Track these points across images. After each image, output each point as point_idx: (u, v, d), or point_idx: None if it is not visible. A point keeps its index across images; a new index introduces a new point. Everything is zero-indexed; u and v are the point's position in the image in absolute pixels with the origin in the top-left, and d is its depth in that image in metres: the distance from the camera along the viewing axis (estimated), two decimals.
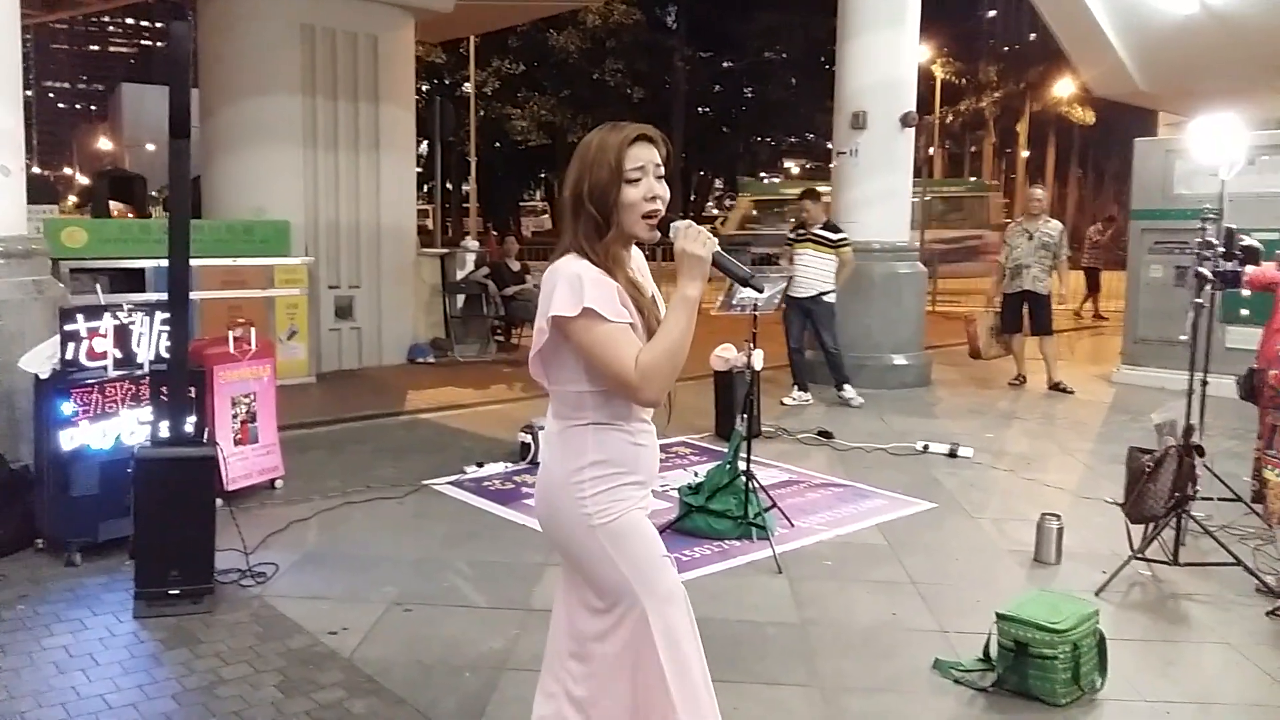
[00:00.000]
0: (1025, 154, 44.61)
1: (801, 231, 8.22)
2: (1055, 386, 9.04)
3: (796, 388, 8.37)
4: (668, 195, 2.07)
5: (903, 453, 6.71)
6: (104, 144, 54.44)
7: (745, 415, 5.18)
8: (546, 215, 47.25)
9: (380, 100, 9.88)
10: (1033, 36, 39.44)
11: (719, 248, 2.01)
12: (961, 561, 4.70)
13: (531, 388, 9.06)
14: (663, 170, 2.06)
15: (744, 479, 4.90)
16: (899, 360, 9.28)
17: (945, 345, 11.42)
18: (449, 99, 19.12)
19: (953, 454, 6.61)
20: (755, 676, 3.47)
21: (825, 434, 7.13)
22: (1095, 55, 12.91)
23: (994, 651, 3.43)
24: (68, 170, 64.95)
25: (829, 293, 8.13)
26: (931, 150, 41.82)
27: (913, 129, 9.46)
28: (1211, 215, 4.67)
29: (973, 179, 25.60)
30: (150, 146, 41.50)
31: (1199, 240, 4.61)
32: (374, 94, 9.84)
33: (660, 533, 4.98)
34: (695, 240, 1.99)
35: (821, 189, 8.90)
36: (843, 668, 3.56)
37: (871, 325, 9.20)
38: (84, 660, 3.44)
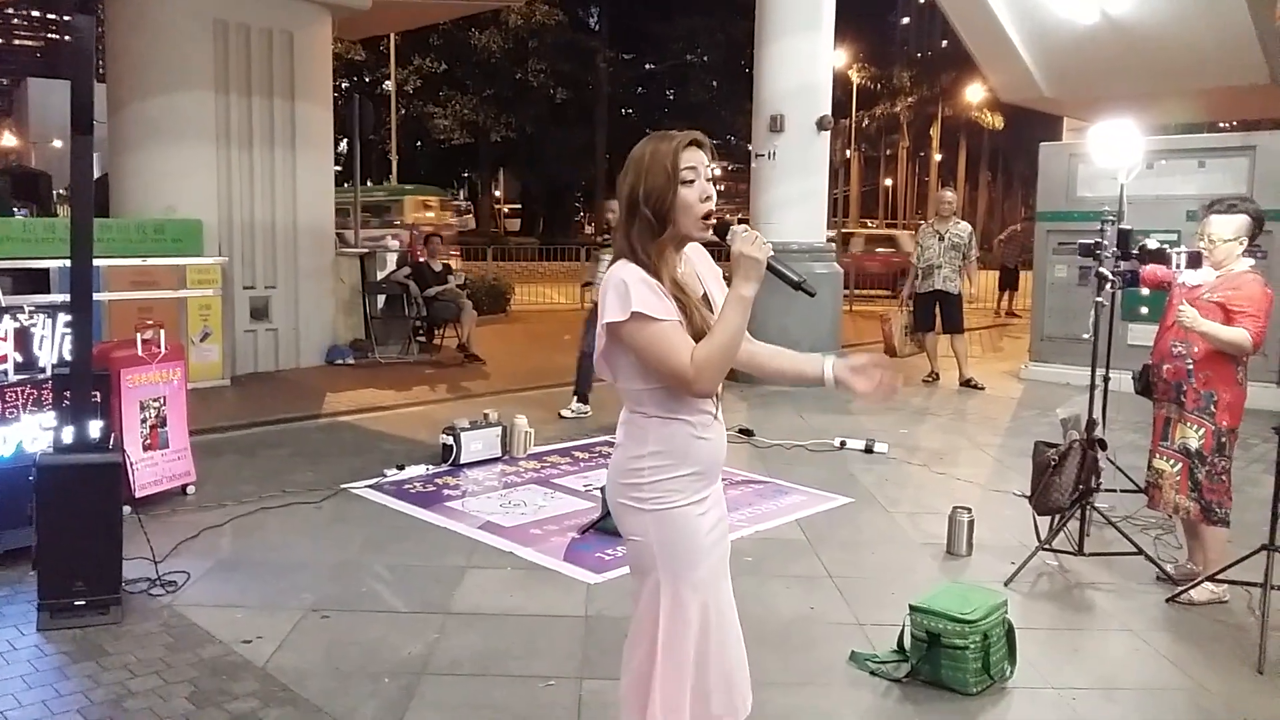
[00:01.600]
0: (938, 157, 45.76)
1: (605, 237, 7.78)
2: (966, 383, 9.30)
3: (577, 399, 7.70)
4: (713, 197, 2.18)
5: (821, 449, 6.83)
6: (8, 140, 52.15)
7: None
8: (470, 216, 46.79)
9: (296, 97, 9.68)
10: (945, 43, 40.50)
11: (774, 253, 2.11)
12: (877, 555, 4.81)
13: (454, 389, 9.01)
14: (711, 173, 2.17)
15: None
16: None
17: (861, 344, 11.64)
18: (369, 97, 18.81)
19: (869, 449, 6.75)
20: None
21: (746, 431, 7.22)
22: (1002, 62, 13.31)
23: (908, 643, 3.51)
24: None
25: None
26: (848, 153, 42.64)
27: (829, 132, 9.64)
28: (1111, 217, 4.85)
29: (389, 183, 24.67)
30: (57, 143, 39.84)
31: (1095, 241, 4.79)
32: (290, 91, 9.63)
33: (582, 533, 5.01)
34: (752, 244, 2.09)
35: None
36: (762, 661, 3.58)
37: (789, 324, 9.26)
38: None
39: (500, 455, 6.33)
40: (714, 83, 38.15)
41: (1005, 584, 4.31)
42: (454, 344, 10.95)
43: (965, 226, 9.42)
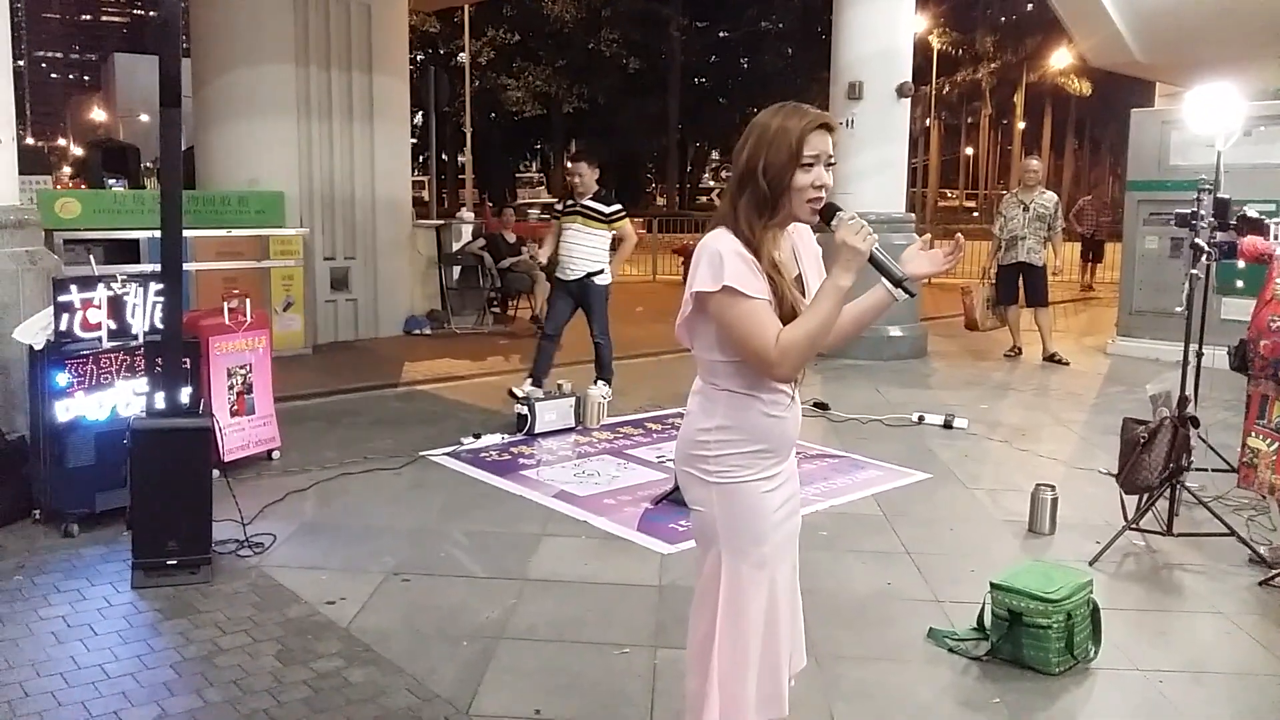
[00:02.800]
0: (1021, 125, 44.45)
1: (570, 203, 6.82)
2: (1051, 358, 9.06)
3: (530, 379, 6.88)
4: (832, 184, 2.13)
5: (898, 424, 6.73)
6: (97, 114, 53.97)
7: None
8: (542, 186, 47.02)
9: (374, 70, 9.80)
10: (1029, 7, 39.16)
11: (878, 245, 2.05)
12: (956, 532, 4.73)
13: (528, 360, 9.07)
14: (833, 160, 2.13)
15: None
16: (895, 332, 9.28)
17: (941, 317, 11.41)
18: (443, 69, 18.96)
19: (948, 425, 6.63)
20: None
21: (821, 405, 7.15)
22: (1092, 25, 12.83)
23: (988, 621, 3.45)
24: (61, 141, 64.44)
25: (599, 273, 6.76)
26: (928, 121, 41.67)
27: (909, 100, 9.41)
28: (1207, 186, 4.66)
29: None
30: (143, 117, 41.05)
31: (1191, 211, 4.60)
32: (367, 64, 9.75)
33: (656, 504, 5.02)
34: (856, 234, 2.04)
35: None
36: (838, 637, 3.58)
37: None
38: (82, 630, 3.45)
39: (574, 425, 6.38)
40: (789, 50, 37.56)
41: (1090, 563, 4.20)
42: (527, 315, 11.03)
43: (1051, 196, 9.14)
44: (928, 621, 3.65)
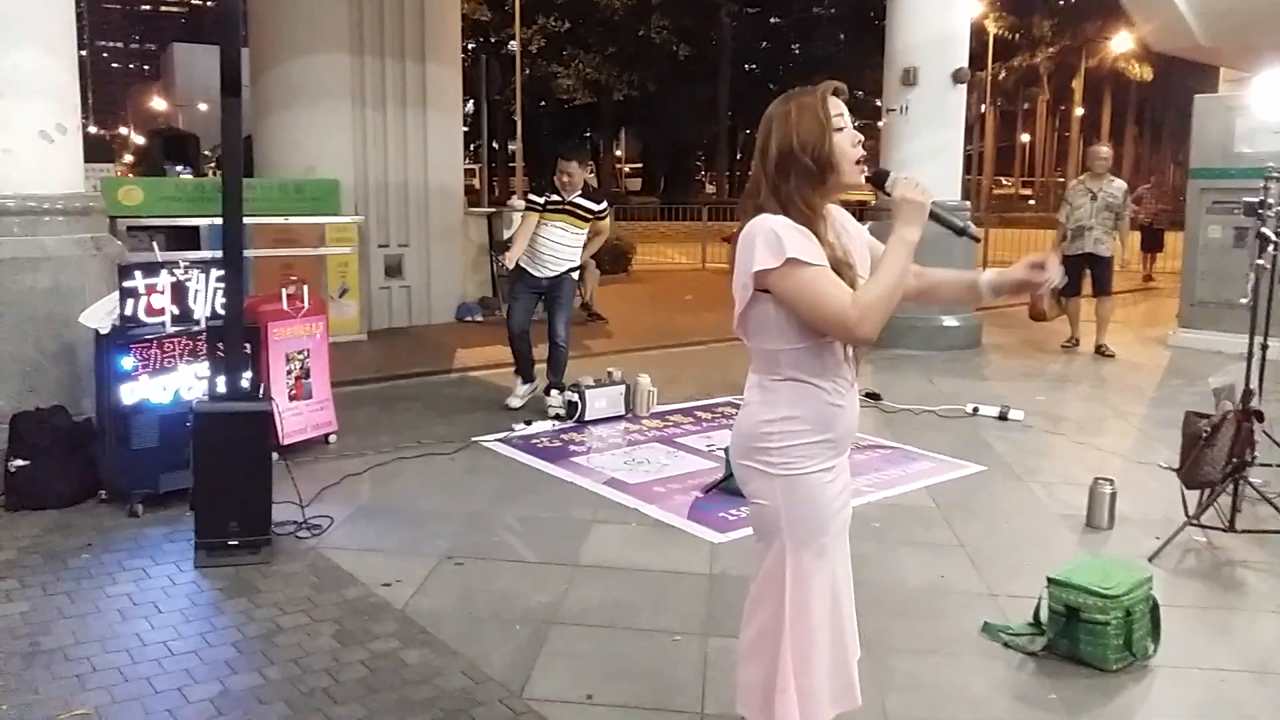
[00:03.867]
0: (1080, 111, 43.54)
1: (555, 200, 6.36)
2: (1099, 349, 8.87)
3: (521, 380, 6.66)
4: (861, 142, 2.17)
5: (952, 415, 6.65)
6: (157, 103, 55.08)
7: None
8: (592, 175, 47.08)
9: (427, 58, 9.87)
10: None
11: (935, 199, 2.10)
12: (1012, 525, 4.67)
13: (577, 348, 9.11)
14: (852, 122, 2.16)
15: None
16: (949, 322, 9.17)
17: (995, 308, 11.24)
18: (494, 57, 19.00)
19: (1003, 416, 6.54)
20: None
21: (873, 395, 7.08)
22: (1153, 8, 12.47)
23: (1044, 616, 3.41)
24: (123, 130, 65.85)
25: (575, 269, 6.64)
26: (983, 108, 40.99)
27: (965, 85, 9.27)
28: (1275, 174, 4.53)
29: None
30: (202, 106, 41.86)
31: (1259, 200, 4.48)
32: (420, 52, 9.83)
33: (706, 493, 5.02)
34: (915, 189, 2.09)
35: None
36: (890, 629, 3.56)
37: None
38: (147, 608, 3.54)
39: (624, 413, 6.39)
40: (841, 35, 37.15)
41: (1150, 559, 4.12)
42: (578, 303, 11.05)
43: (1120, 184, 8.89)
44: (982, 615, 3.61)
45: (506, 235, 11.06)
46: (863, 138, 2.15)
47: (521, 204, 12.54)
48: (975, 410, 6.68)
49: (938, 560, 4.21)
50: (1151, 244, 16.01)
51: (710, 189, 42.11)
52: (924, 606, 3.76)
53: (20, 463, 4.36)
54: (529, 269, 6.48)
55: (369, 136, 9.59)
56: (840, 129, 2.12)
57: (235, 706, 2.93)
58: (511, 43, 27.87)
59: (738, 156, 45.87)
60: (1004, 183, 52.38)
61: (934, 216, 2.11)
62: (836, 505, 2.26)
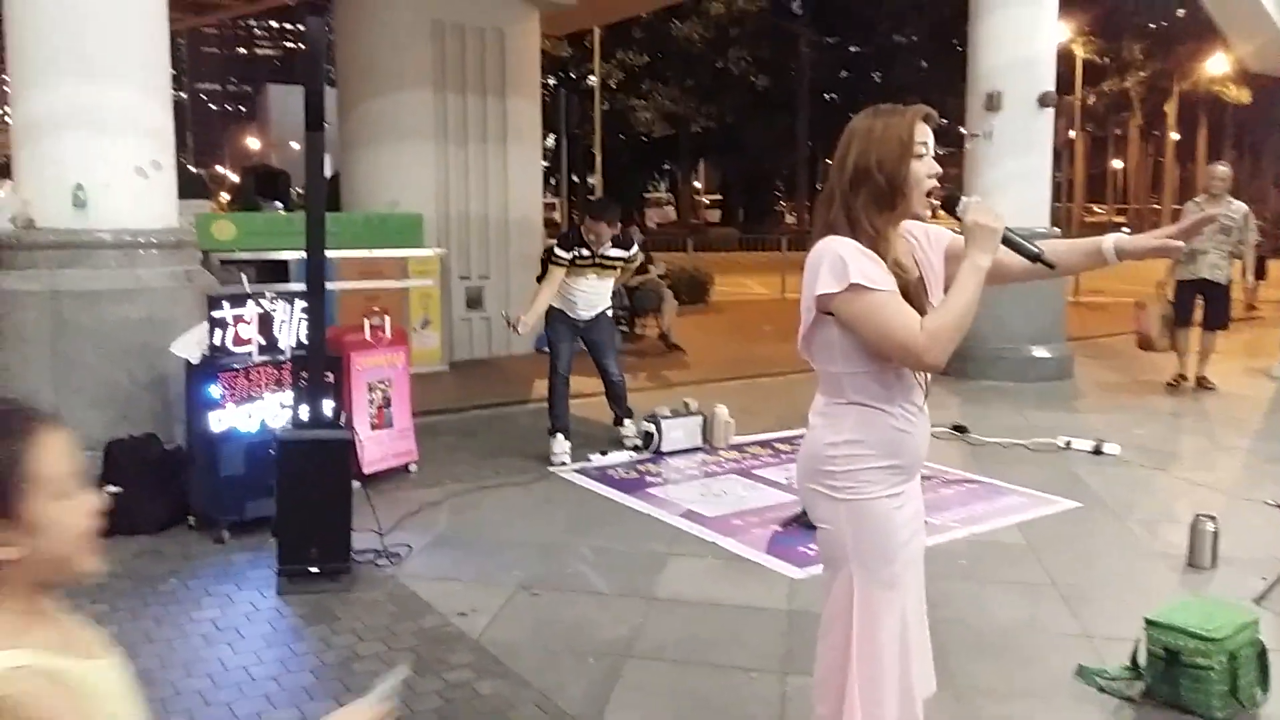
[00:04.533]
0: (1174, 136, 42.25)
1: (584, 255, 6.12)
2: (1200, 382, 8.37)
3: (558, 435, 6.15)
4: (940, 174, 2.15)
5: (1043, 449, 6.43)
6: (252, 142, 57.34)
7: None
8: (671, 207, 47.29)
9: (507, 94, 10.04)
10: (1181, 12, 37.22)
11: (1008, 224, 2.07)
12: (1107, 563, 4.47)
13: (655, 378, 9.10)
14: (935, 152, 2.14)
15: None
16: (1039, 352, 8.90)
17: (1089, 338, 10.91)
18: (574, 92, 19.26)
19: (1097, 451, 6.29)
20: None
21: (959, 428, 6.89)
22: (1250, 28, 12.09)
23: (1143, 659, 3.23)
24: (219, 168, 68.66)
25: (610, 308, 6.52)
26: (1072, 133, 40.07)
27: (1052, 109, 9.04)
28: None
29: None
30: (294, 144, 43.39)
31: None
32: (501, 88, 10.00)
33: (785, 526, 4.92)
34: (987, 214, 2.05)
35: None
36: (977, 671, 3.42)
37: (1007, 315, 8.83)
38: (230, 634, 3.60)
39: (701, 444, 6.33)
40: (923, 63, 36.78)
41: (1256, 601, 3.89)
42: (655, 333, 11.06)
43: (1240, 207, 8.24)
44: (1075, 658, 3.45)
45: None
46: (941, 170, 2.12)
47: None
48: (1068, 444, 6.44)
49: (1029, 599, 4.04)
50: (1254, 271, 15.33)
51: (790, 219, 41.91)
52: (1014, 647, 3.61)
53: (113, 489, 4.45)
54: (565, 311, 6.32)
55: (451, 171, 9.77)
56: (921, 155, 2.08)
57: None
58: (591, 77, 28.27)
59: (817, 185, 45.64)
60: (1096, 210, 51.03)
61: (1007, 241, 2.06)
62: (905, 534, 2.21)
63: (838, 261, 2.03)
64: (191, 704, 3.10)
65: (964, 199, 2.08)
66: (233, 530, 4.51)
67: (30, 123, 4.87)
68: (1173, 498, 5.39)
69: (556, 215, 26.05)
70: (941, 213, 2.14)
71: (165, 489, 4.62)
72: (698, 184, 54.53)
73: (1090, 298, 15.82)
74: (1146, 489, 5.62)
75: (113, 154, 4.86)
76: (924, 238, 2.24)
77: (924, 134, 2.09)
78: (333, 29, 10.44)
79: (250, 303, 4.58)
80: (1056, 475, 5.82)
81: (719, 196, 52.21)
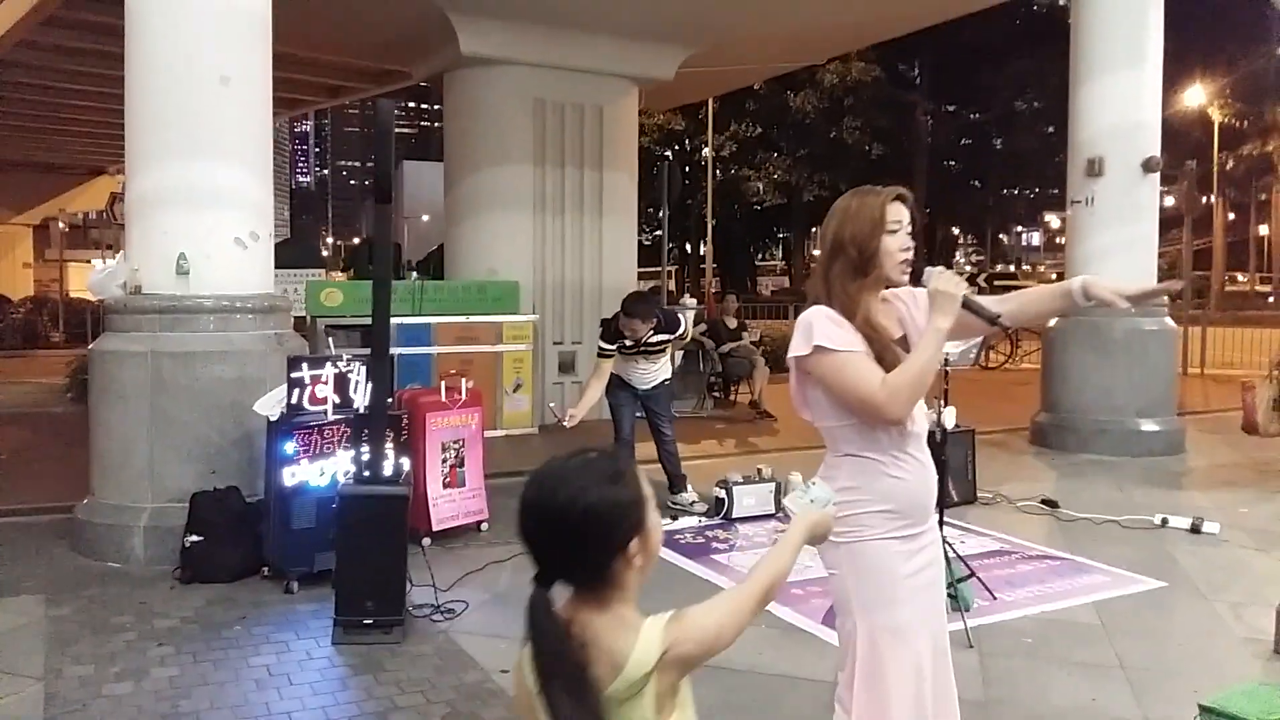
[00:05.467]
0: None
1: (628, 345, 6.31)
2: None
3: (679, 490, 6.49)
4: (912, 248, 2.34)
5: (1137, 526, 6.12)
6: None
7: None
8: (785, 275, 47.24)
9: (604, 167, 10.35)
10: None
11: (969, 291, 2.27)
12: (1185, 648, 4.21)
13: (742, 444, 9.08)
14: (910, 229, 2.33)
15: None
16: (1146, 426, 8.50)
17: (1210, 412, 10.35)
18: (688, 163, 19.61)
19: (1195, 529, 5.95)
20: None
21: (1049, 503, 6.63)
22: None
23: None
24: (355, 239, 72.14)
25: (669, 379, 6.67)
26: (1211, 198, 38.37)
27: (1157, 174, 8.76)
28: None
29: None
30: (425, 218, 45.34)
31: None
32: (599, 161, 10.32)
33: None
34: (948, 282, 2.25)
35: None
36: None
37: (1114, 387, 8.51)
38: (281, 680, 3.75)
39: (774, 512, 6.27)
40: (1049, 128, 35.99)
41: None
42: (747, 400, 11.04)
43: None
44: None
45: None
46: (912, 244, 2.30)
47: (692, 301, 12.82)
48: (1164, 522, 6.11)
49: (1091, 682, 3.85)
50: None
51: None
52: None
53: (195, 538, 4.76)
54: (626, 379, 6.46)
55: (548, 240, 10.09)
56: (893, 231, 2.28)
57: None
58: (704, 149, 28.75)
59: (936, 253, 44.92)
60: (1238, 279, 48.52)
61: (967, 305, 2.25)
62: (913, 582, 2.26)
63: (807, 327, 2.25)
64: None
65: (928, 269, 2.29)
66: (302, 581, 4.70)
67: (142, 197, 5.30)
68: (1269, 581, 5.04)
69: (671, 284, 26.44)
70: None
71: (243, 540, 4.87)
72: (814, 251, 54.46)
73: (1220, 370, 15.01)
74: (1242, 571, 5.27)
75: (215, 226, 5.24)
76: (911, 301, 2.40)
77: (897, 212, 2.28)
78: (442, 105, 11.00)
79: (328, 364, 4.83)
80: (1147, 554, 5.53)
81: None
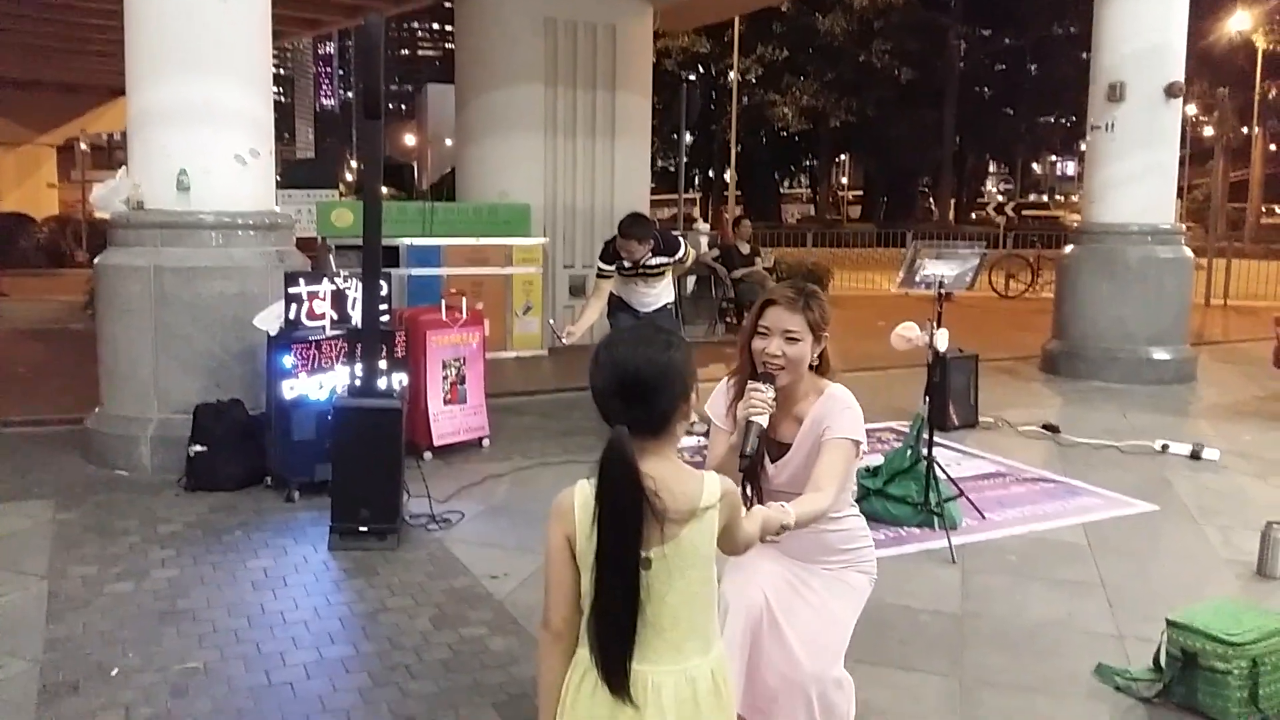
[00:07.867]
0: None
1: (626, 266, 6.19)
2: None
3: None
4: (784, 355, 2.41)
5: (1137, 451, 6.13)
6: (409, 139, 59.65)
7: (929, 398, 4.94)
8: (810, 204, 46.70)
9: (617, 88, 10.21)
10: None
11: (763, 420, 2.28)
12: (1168, 568, 4.27)
13: None
14: (794, 334, 2.41)
15: (924, 464, 4.68)
16: (1157, 354, 8.44)
17: (1228, 342, 10.25)
18: (710, 88, 19.17)
19: (1195, 455, 5.96)
20: (893, 661, 3.34)
21: (1051, 428, 6.64)
22: None
23: (1164, 660, 3.10)
24: None
25: (670, 303, 6.53)
26: (1252, 129, 37.34)
27: (1179, 100, 8.54)
28: None
29: None
30: (448, 141, 44.96)
31: None
32: (611, 82, 10.17)
33: None
34: (756, 407, 2.28)
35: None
36: (991, 662, 3.35)
37: (1126, 314, 8.43)
38: (276, 582, 3.88)
39: None
40: (1084, 55, 35.03)
41: None
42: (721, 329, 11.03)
43: None
44: (1101, 657, 3.33)
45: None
46: (778, 351, 2.39)
47: (705, 227, 12.72)
48: (1164, 448, 6.12)
49: (1070, 598, 3.91)
50: None
51: (936, 215, 40.61)
52: (1038, 643, 3.51)
53: (199, 448, 4.88)
54: (627, 301, 6.38)
55: (559, 162, 10.01)
56: (763, 334, 2.42)
57: (323, 672, 3.17)
58: (730, 73, 28.20)
59: (966, 182, 44.18)
60: (1276, 212, 47.41)
61: (747, 429, 2.27)
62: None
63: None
64: (224, 640, 3.37)
65: (750, 383, 2.34)
66: (303, 490, 4.82)
67: (142, 113, 5.32)
68: (1264, 507, 5.03)
69: (696, 211, 26.19)
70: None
71: (246, 450, 4.98)
72: (844, 179, 53.57)
73: (1244, 301, 14.80)
74: (1236, 496, 5.29)
75: (213, 144, 5.26)
76: (828, 399, 2.51)
77: (769, 318, 2.41)
78: (454, 25, 10.85)
79: (324, 280, 4.88)
80: (1143, 478, 5.55)
81: (861, 192, 51.22)
